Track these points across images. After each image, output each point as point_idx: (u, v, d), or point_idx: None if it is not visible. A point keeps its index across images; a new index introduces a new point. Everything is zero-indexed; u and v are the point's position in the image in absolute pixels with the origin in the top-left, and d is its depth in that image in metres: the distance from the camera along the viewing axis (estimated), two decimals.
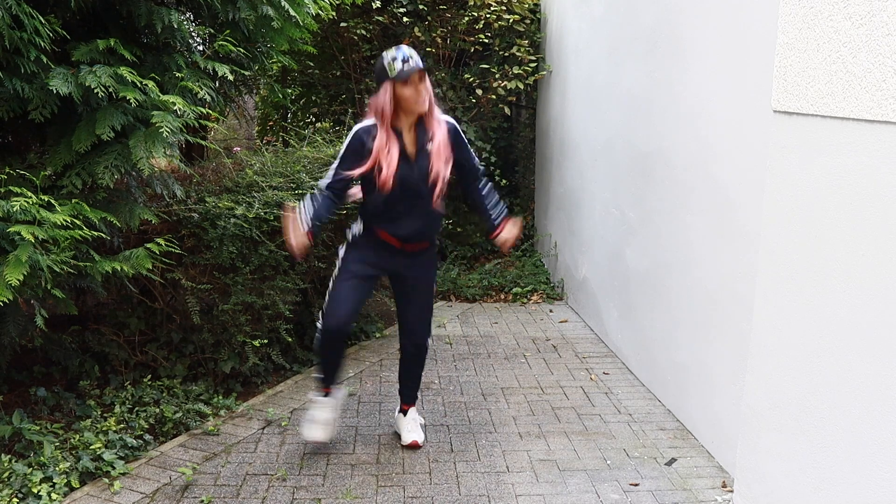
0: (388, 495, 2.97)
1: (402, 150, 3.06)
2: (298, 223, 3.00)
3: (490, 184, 3.36)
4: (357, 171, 3.06)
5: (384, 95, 3.01)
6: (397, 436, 3.47)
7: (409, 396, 3.48)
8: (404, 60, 2.97)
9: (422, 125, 3.10)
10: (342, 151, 3.12)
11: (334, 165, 3.14)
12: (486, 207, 3.29)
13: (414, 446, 3.36)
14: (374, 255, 3.19)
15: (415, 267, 3.24)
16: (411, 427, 3.43)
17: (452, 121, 3.19)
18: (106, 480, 3.01)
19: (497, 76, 5.93)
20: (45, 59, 2.81)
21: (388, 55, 3.01)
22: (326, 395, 3.33)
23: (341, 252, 3.26)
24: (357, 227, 3.23)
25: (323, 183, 3.15)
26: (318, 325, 3.19)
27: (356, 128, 3.12)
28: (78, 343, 3.81)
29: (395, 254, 3.19)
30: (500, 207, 3.31)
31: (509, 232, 3.26)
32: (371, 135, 3.06)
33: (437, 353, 4.52)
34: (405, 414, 3.46)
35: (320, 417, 3.31)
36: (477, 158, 3.32)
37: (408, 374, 3.45)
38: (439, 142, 3.10)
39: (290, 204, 3.30)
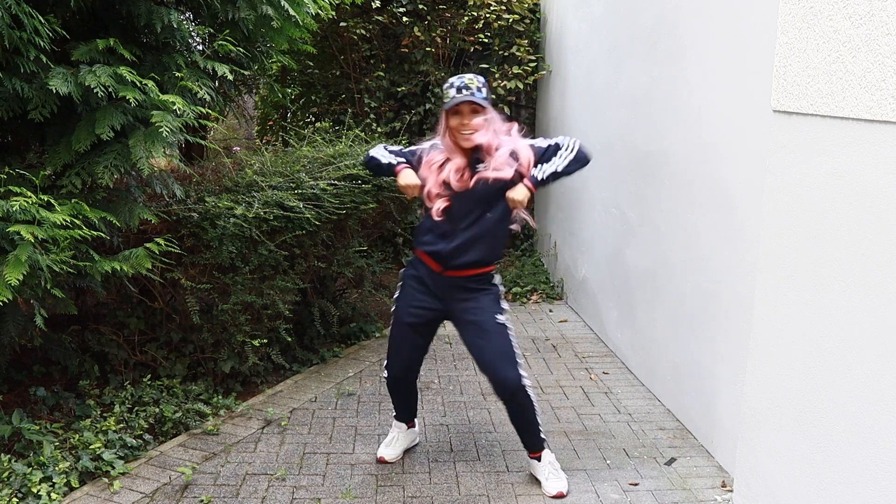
0: (387, 495, 2.97)
1: (460, 174, 2.88)
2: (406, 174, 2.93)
3: (562, 150, 2.91)
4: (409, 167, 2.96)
5: (441, 123, 2.91)
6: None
7: (530, 444, 3.09)
8: (458, 89, 2.79)
9: (479, 154, 2.88)
10: (419, 146, 3.02)
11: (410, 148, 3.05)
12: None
13: (559, 497, 2.97)
14: (422, 294, 2.99)
15: (470, 304, 2.95)
16: (549, 473, 3.03)
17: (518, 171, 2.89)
18: (105, 480, 3.01)
19: (497, 76, 5.93)
20: (44, 59, 2.81)
21: (449, 80, 2.87)
22: (408, 427, 3.32)
23: (397, 292, 3.11)
24: (408, 261, 3.11)
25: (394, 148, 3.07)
26: (384, 374, 3.21)
27: (432, 142, 3.00)
28: (77, 343, 3.81)
29: (441, 285, 2.95)
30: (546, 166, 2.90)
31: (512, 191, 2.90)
32: (434, 152, 2.94)
33: (437, 352, 4.52)
34: (539, 460, 3.09)
35: (391, 440, 3.30)
36: (550, 144, 2.95)
37: (514, 422, 3.07)
38: (497, 174, 2.86)
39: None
